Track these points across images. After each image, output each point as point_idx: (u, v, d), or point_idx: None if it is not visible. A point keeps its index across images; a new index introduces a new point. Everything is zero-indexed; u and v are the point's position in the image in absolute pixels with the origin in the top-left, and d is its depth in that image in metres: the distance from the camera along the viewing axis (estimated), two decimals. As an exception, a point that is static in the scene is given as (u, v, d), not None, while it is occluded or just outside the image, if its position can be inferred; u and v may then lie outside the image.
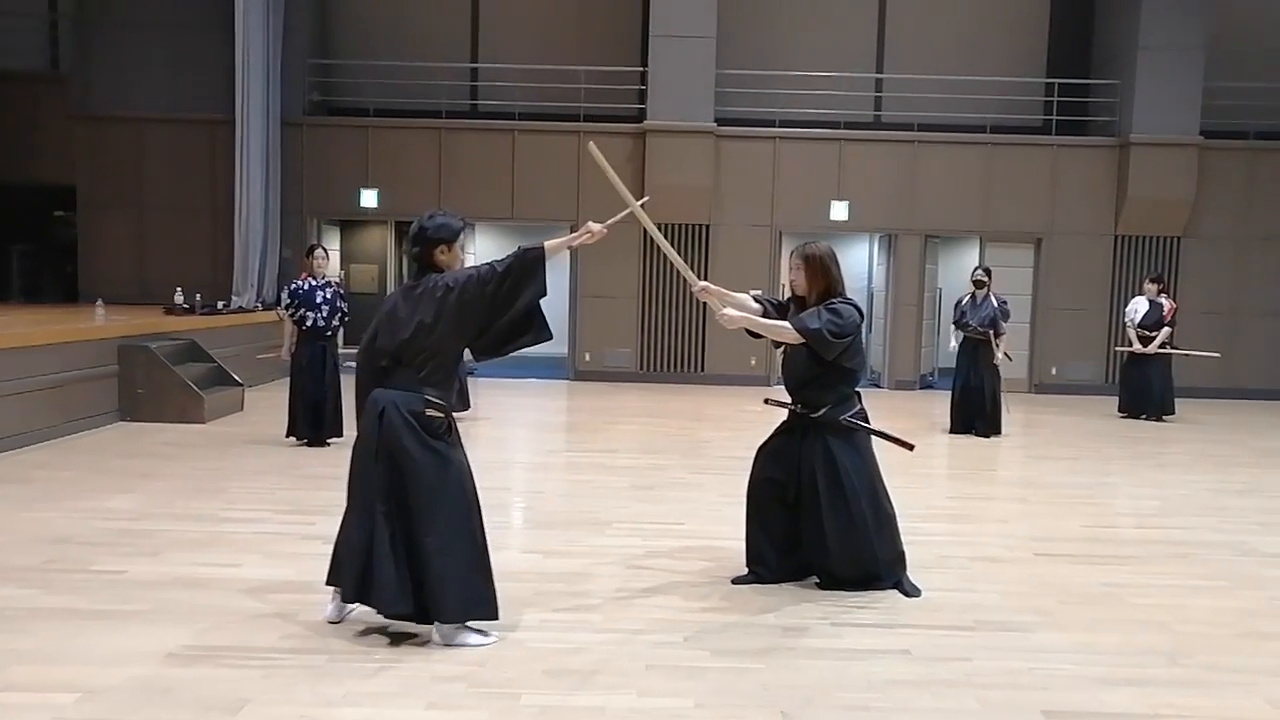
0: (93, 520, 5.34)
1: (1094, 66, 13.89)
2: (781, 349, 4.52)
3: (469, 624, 3.69)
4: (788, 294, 4.60)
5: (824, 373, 4.33)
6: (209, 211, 13.25)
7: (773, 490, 4.48)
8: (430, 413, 3.64)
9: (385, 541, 3.59)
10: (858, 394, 4.48)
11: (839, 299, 4.33)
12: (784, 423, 4.56)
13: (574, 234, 4.02)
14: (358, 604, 3.73)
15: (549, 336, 3.81)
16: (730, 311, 4.34)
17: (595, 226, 4.00)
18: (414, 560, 3.59)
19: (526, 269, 3.69)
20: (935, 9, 14.19)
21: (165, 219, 13.38)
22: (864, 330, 4.36)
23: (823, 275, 4.35)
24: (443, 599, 3.59)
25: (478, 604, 3.67)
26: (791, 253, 4.48)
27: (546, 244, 3.83)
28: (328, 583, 3.81)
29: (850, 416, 4.37)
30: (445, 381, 3.69)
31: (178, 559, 4.67)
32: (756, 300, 4.51)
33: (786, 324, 4.29)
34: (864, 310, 4.45)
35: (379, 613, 3.66)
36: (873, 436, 4.47)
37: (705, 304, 4.44)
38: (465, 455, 3.77)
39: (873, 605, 4.28)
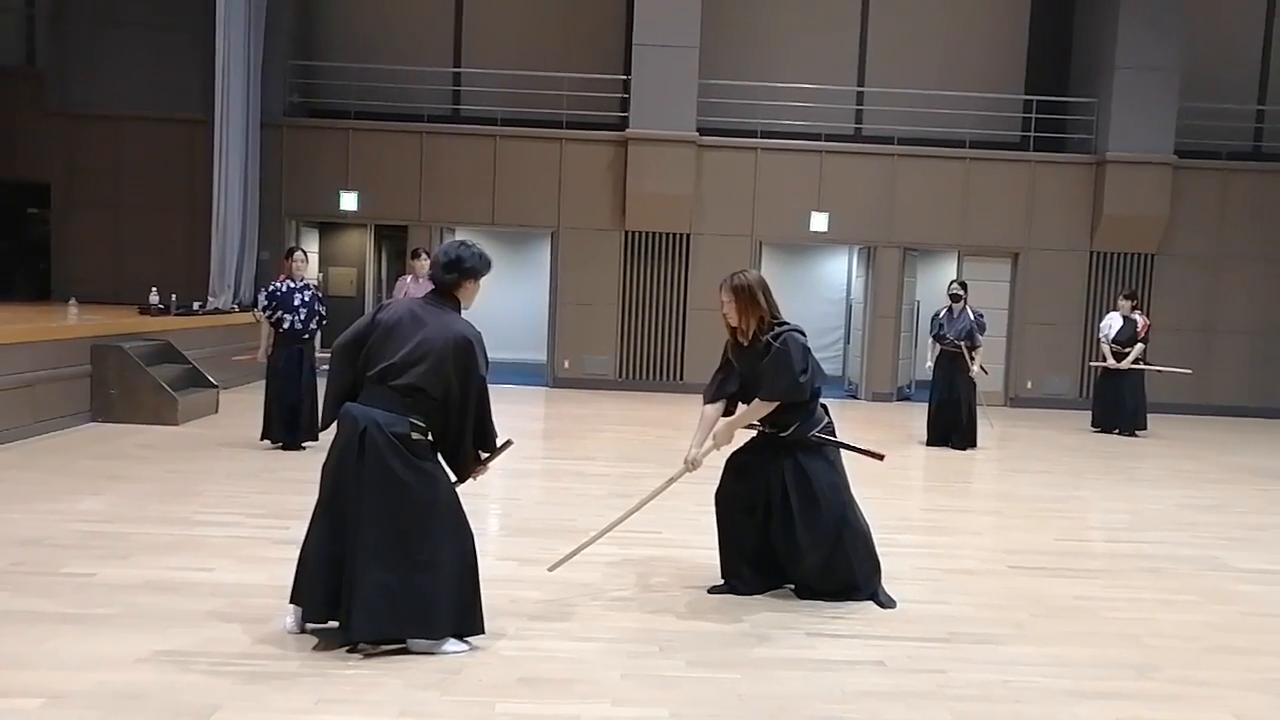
0: (63, 522, 5.27)
1: (1071, 84, 14.07)
2: (733, 381, 4.49)
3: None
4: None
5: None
6: (186, 211, 13.13)
7: (739, 504, 4.49)
8: (415, 435, 3.60)
9: (373, 567, 3.48)
10: (824, 406, 4.48)
11: (777, 327, 4.31)
12: (752, 440, 4.56)
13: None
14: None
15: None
16: (712, 442, 4.39)
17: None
18: (404, 580, 3.51)
19: (468, 454, 3.77)
20: (917, 24, 14.33)
21: (142, 218, 13.25)
22: (841, 342, 4.40)
23: (754, 305, 4.30)
24: (434, 615, 3.55)
25: (467, 619, 3.65)
26: (720, 285, 4.39)
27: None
28: (292, 601, 3.72)
29: (819, 431, 4.38)
30: (431, 407, 3.63)
31: (149, 563, 4.62)
32: (712, 400, 4.50)
33: (756, 402, 4.30)
34: (802, 330, 4.39)
35: (354, 638, 3.55)
36: (842, 449, 4.49)
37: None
38: (449, 485, 3.73)
39: (848, 616, 4.29)
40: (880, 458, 4.56)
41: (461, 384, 3.62)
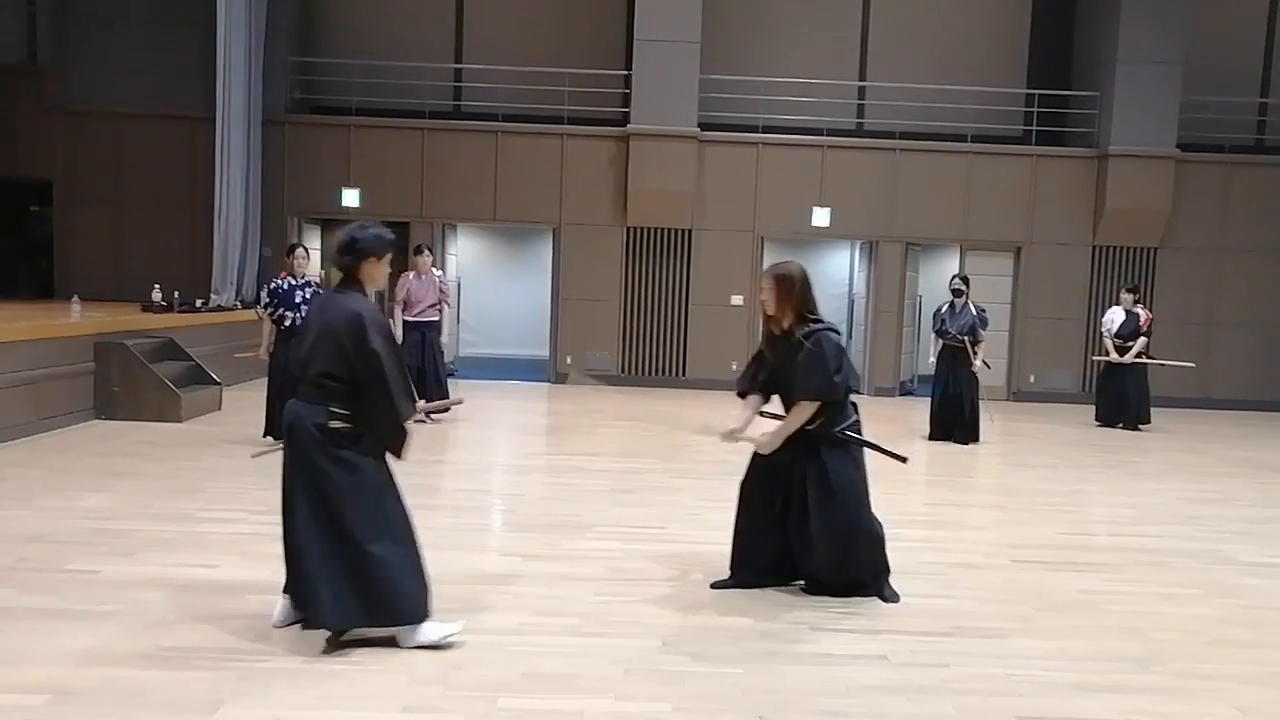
0: (67, 519, 5.28)
1: (1074, 78, 14.04)
2: (764, 370, 4.52)
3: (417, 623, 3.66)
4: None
5: None
6: (188, 208, 13.13)
7: (764, 496, 4.49)
8: (334, 424, 3.59)
9: (316, 557, 3.54)
10: (854, 405, 4.48)
11: (814, 322, 4.33)
12: None
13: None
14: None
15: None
16: (759, 435, 4.40)
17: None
18: (348, 570, 3.55)
19: (388, 428, 3.64)
20: (918, 18, 14.29)
21: (144, 215, 13.25)
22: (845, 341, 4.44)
23: (794, 296, 4.32)
24: (375, 601, 3.55)
25: (409, 607, 3.63)
26: (763, 273, 4.46)
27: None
28: (285, 590, 3.78)
29: (845, 428, 4.38)
30: (351, 396, 3.61)
31: (153, 559, 4.62)
32: (747, 390, 4.57)
33: (796, 409, 4.30)
34: (838, 329, 4.45)
35: (308, 627, 3.60)
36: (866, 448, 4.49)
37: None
38: (381, 467, 3.67)
39: (852, 611, 4.29)
40: (903, 460, 4.55)
41: (359, 360, 3.59)
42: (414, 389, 3.77)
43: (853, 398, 4.50)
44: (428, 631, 3.64)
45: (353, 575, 3.54)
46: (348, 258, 3.76)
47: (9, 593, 4.08)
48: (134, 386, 8.65)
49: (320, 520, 3.56)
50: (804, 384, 4.27)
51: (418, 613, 3.64)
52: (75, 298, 10.88)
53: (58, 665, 3.37)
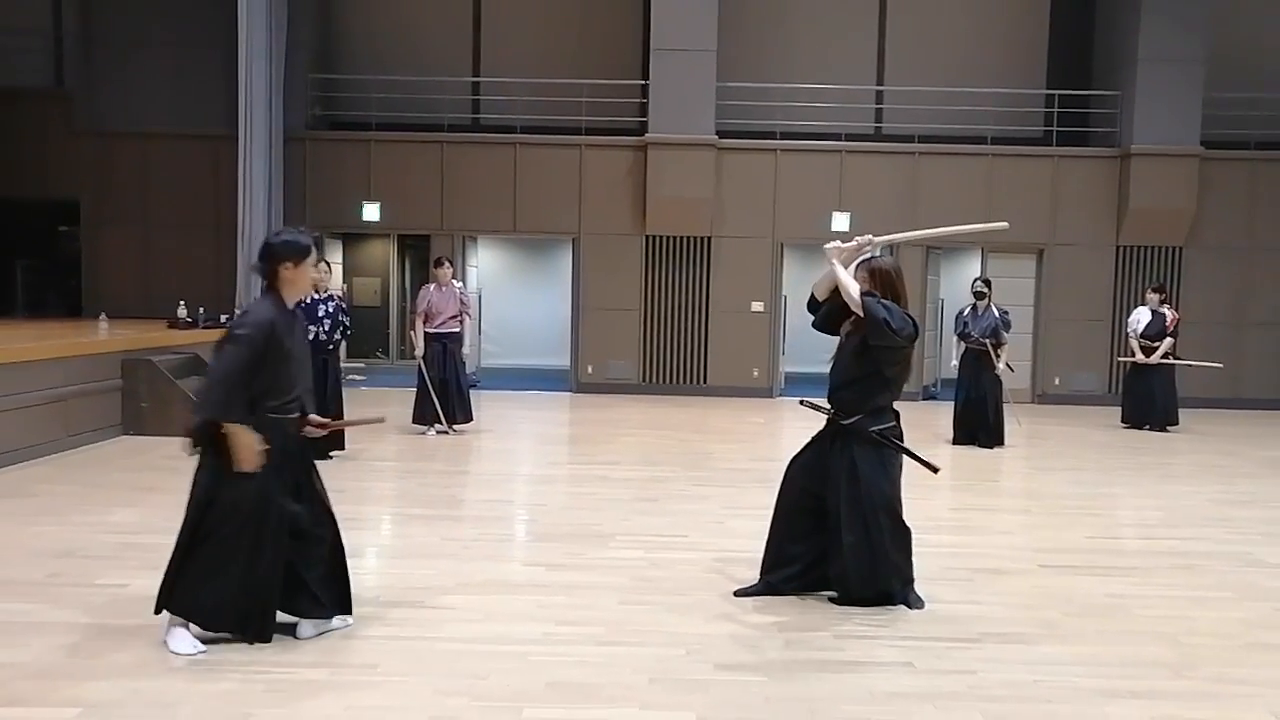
0: (96, 534, 5.34)
1: (1094, 78, 13.93)
2: (833, 354, 4.56)
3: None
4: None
5: (864, 377, 4.35)
6: (212, 226, 13.29)
7: (803, 500, 4.49)
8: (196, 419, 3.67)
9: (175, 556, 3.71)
10: (896, 413, 4.46)
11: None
12: (818, 432, 4.58)
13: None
14: (335, 618, 3.85)
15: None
16: (834, 244, 4.42)
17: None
18: (179, 567, 3.66)
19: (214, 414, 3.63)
20: (935, 21, 14.25)
21: (169, 233, 13.44)
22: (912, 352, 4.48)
23: (887, 290, 4.37)
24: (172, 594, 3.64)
25: (239, 618, 3.65)
26: (858, 265, 4.48)
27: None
28: None
29: (882, 431, 4.37)
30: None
31: (181, 573, 4.66)
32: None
33: (858, 288, 4.29)
34: (920, 330, 4.49)
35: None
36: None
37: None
38: (253, 480, 3.62)
39: (876, 617, 4.26)
40: (935, 470, 4.52)
41: (217, 347, 3.64)
42: (239, 403, 3.61)
43: (895, 405, 4.49)
44: (180, 640, 3.63)
45: (181, 575, 3.64)
46: (261, 264, 3.74)
47: (41, 607, 4.13)
48: (161, 402, 8.74)
49: (186, 513, 3.71)
50: (869, 300, 4.25)
51: (197, 617, 3.65)
52: (103, 315, 11.04)
53: (89, 678, 3.41)
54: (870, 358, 4.33)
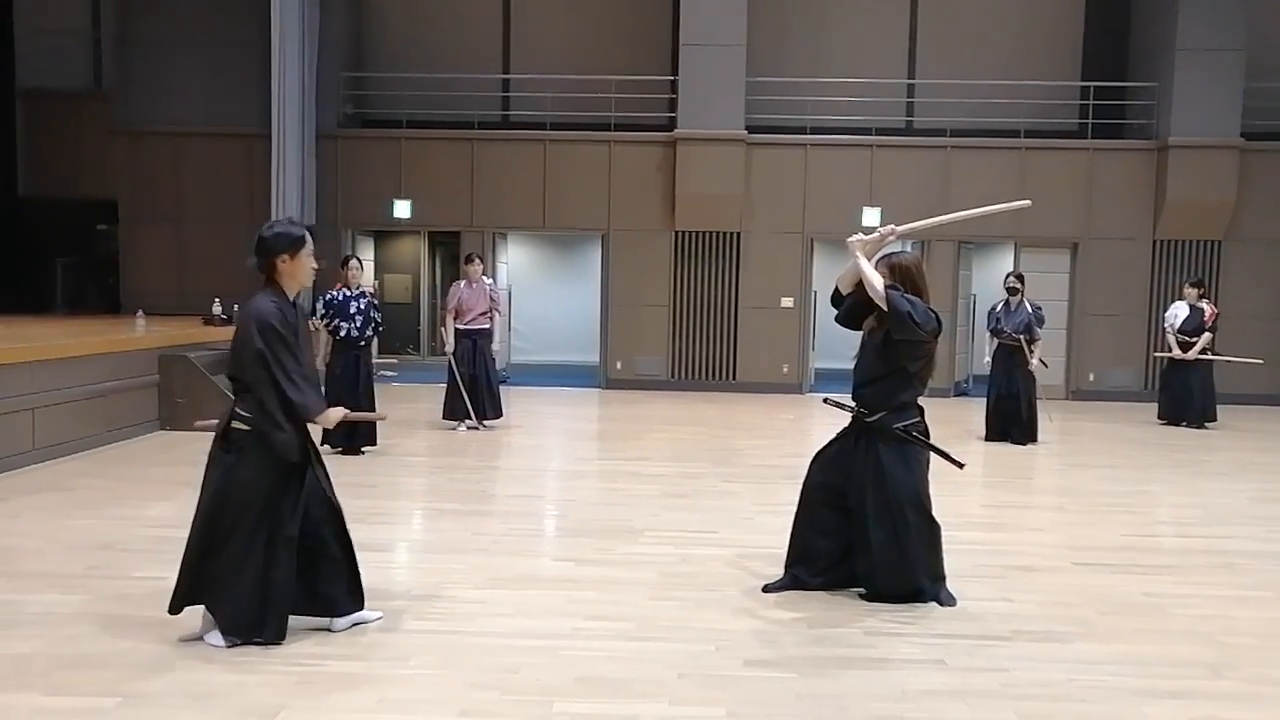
0: (134, 528, 5.44)
1: (1130, 69, 13.71)
2: (856, 352, 4.55)
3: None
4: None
5: (888, 374, 4.34)
6: (246, 223, 13.37)
7: (826, 495, 4.48)
8: (234, 424, 3.65)
9: (188, 553, 3.71)
10: (920, 408, 4.44)
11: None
12: (842, 429, 4.56)
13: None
14: (357, 613, 3.89)
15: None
16: (857, 237, 4.38)
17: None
18: (198, 565, 3.67)
19: (273, 431, 3.60)
20: (967, 12, 14.09)
21: (203, 231, 13.60)
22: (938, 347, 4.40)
23: (908, 284, 4.35)
24: (222, 600, 3.64)
25: (255, 614, 3.63)
26: (878, 260, 4.46)
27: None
28: None
29: (906, 427, 4.34)
30: (248, 395, 3.63)
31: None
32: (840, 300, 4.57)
33: (881, 281, 4.26)
34: (943, 324, 4.45)
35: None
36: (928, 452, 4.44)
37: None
38: (266, 478, 3.63)
39: (907, 614, 4.23)
40: (960, 466, 4.48)
41: (247, 359, 3.59)
42: (317, 391, 3.71)
43: (920, 400, 4.46)
44: (217, 634, 3.67)
45: (199, 571, 3.65)
46: (258, 259, 3.71)
47: (81, 599, 4.21)
48: (196, 398, 8.86)
49: (197, 514, 3.69)
50: (893, 293, 4.22)
51: (227, 623, 3.65)
52: (140, 312, 11.21)
53: (128, 669, 3.47)
54: (894, 354, 4.31)
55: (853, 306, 4.50)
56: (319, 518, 3.79)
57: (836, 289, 4.57)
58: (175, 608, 3.70)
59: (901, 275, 4.38)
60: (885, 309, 4.22)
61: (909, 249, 13.82)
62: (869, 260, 4.35)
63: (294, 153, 12.47)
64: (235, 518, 3.63)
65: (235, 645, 3.64)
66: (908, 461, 4.36)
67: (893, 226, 4.45)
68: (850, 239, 4.41)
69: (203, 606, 3.71)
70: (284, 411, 3.59)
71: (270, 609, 3.65)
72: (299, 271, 3.75)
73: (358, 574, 3.91)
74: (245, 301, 3.72)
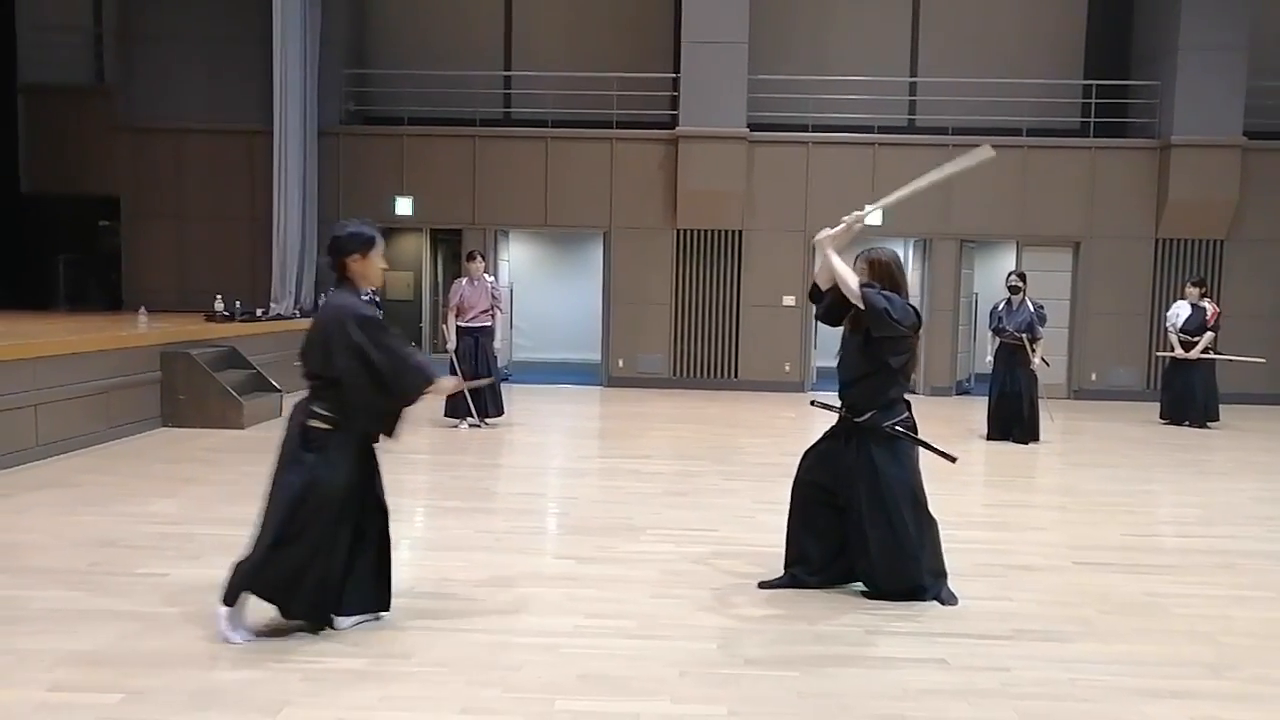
0: (136, 524, 5.44)
1: (1133, 67, 13.70)
2: (838, 351, 4.55)
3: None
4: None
5: (873, 371, 4.34)
6: (248, 220, 13.46)
7: (817, 494, 4.49)
8: (312, 423, 3.67)
9: (256, 545, 3.73)
10: (907, 403, 4.45)
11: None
12: (831, 427, 4.56)
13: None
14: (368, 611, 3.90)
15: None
16: (824, 233, 4.40)
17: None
18: (262, 559, 3.67)
19: (373, 415, 3.70)
20: (969, 11, 14.08)
21: (205, 228, 13.63)
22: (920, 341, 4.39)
23: (886, 280, 4.35)
24: (291, 595, 3.68)
25: (320, 604, 3.71)
26: (857, 256, 4.47)
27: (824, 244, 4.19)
28: None
29: (895, 424, 4.35)
30: (331, 392, 3.66)
31: (220, 562, 4.69)
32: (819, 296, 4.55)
33: (855, 279, 4.26)
34: (922, 318, 4.44)
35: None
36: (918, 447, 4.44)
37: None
38: (345, 476, 3.69)
39: (908, 613, 4.24)
40: (953, 459, 4.49)
41: (344, 353, 3.61)
42: (422, 363, 3.77)
43: (906, 396, 4.47)
44: (236, 630, 3.69)
45: (263, 565, 3.65)
46: (330, 257, 3.83)
47: (83, 595, 4.22)
48: (198, 395, 8.88)
49: (266, 511, 3.70)
50: (868, 290, 4.22)
51: (302, 611, 3.73)
52: (142, 309, 11.22)
53: (131, 666, 3.48)
54: (876, 351, 4.31)
55: (832, 304, 4.48)
56: (369, 513, 3.86)
57: (815, 285, 4.55)
58: (230, 599, 3.71)
59: (880, 271, 4.38)
60: (862, 308, 4.22)
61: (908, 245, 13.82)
62: (840, 256, 4.33)
63: (296, 149, 12.47)
64: (313, 513, 3.64)
65: (250, 641, 3.66)
66: (899, 458, 4.36)
67: (855, 213, 4.43)
68: (818, 236, 4.42)
69: (226, 606, 3.70)
70: (385, 391, 3.65)
71: (328, 596, 3.73)
72: (370, 271, 3.85)
73: (389, 576, 3.94)
74: (328, 300, 3.82)
